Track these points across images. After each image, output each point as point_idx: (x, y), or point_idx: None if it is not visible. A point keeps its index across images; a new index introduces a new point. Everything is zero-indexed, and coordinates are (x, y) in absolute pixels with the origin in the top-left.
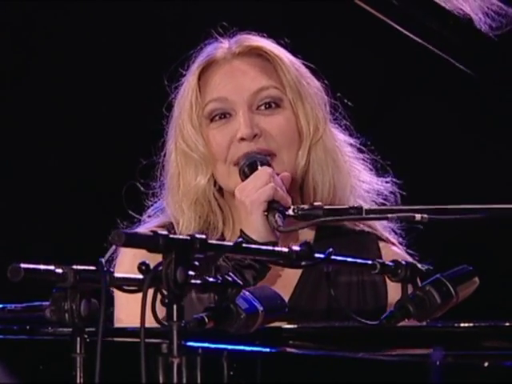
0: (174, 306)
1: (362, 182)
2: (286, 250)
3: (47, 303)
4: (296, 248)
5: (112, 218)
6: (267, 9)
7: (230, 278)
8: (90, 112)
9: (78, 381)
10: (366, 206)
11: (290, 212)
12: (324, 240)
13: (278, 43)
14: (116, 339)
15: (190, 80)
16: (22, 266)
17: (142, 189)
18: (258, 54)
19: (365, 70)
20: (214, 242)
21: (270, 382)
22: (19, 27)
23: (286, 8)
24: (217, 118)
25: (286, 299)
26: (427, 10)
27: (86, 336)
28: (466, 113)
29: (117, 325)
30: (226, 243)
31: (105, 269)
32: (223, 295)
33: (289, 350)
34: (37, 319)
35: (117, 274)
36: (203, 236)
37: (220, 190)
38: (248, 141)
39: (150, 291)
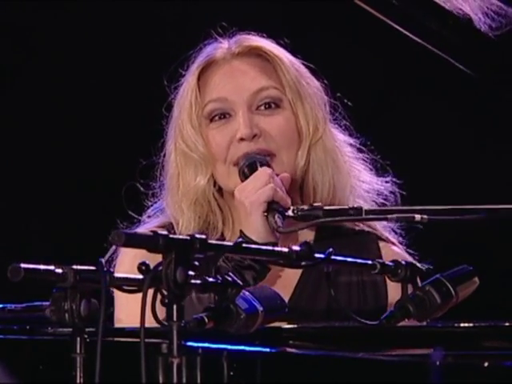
0: (174, 306)
1: (361, 182)
2: (285, 250)
3: (47, 303)
4: (296, 248)
5: (112, 218)
6: (267, 9)
7: (229, 278)
8: (89, 112)
9: (78, 381)
10: (366, 206)
11: (290, 213)
12: (324, 240)
13: (278, 43)
14: (116, 339)
15: (189, 80)
16: (22, 265)
17: (141, 189)
18: (257, 54)
19: (364, 69)
20: (214, 242)
21: (270, 382)
22: (19, 27)
23: (285, 8)
24: (216, 118)
25: (286, 299)
26: (427, 10)
27: (86, 336)
28: (465, 113)
29: (117, 325)
30: (225, 243)
31: (105, 269)
32: (223, 295)
33: (289, 349)
34: (37, 319)
35: (117, 274)
36: (203, 236)
37: (219, 190)
38: (247, 141)
39: (150, 291)
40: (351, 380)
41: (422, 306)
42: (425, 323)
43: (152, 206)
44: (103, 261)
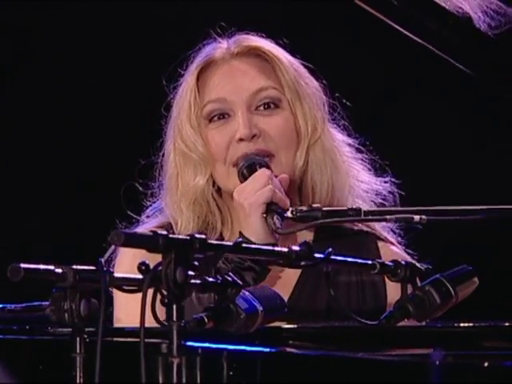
0: (174, 306)
1: (360, 182)
2: (285, 250)
3: (47, 303)
4: (296, 248)
5: (111, 218)
6: (267, 9)
7: (229, 278)
8: (89, 112)
9: (78, 381)
10: (364, 206)
11: (289, 214)
12: (323, 241)
13: (277, 43)
14: (116, 339)
15: (188, 80)
16: (22, 265)
17: (140, 189)
18: (256, 54)
19: (364, 69)
20: (214, 241)
21: (270, 382)
22: (19, 27)
23: (285, 8)
24: (215, 118)
25: (286, 299)
26: (427, 10)
27: (85, 336)
28: (465, 113)
29: (116, 325)
30: (225, 243)
31: (104, 269)
32: (223, 295)
33: (289, 349)
34: (37, 319)
35: (116, 274)
36: (203, 236)
37: (218, 190)
38: (247, 141)
39: (150, 291)
40: (351, 380)
41: (422, 306)
42: (424, 323)
43: (151, 205)
44: (103, 261)
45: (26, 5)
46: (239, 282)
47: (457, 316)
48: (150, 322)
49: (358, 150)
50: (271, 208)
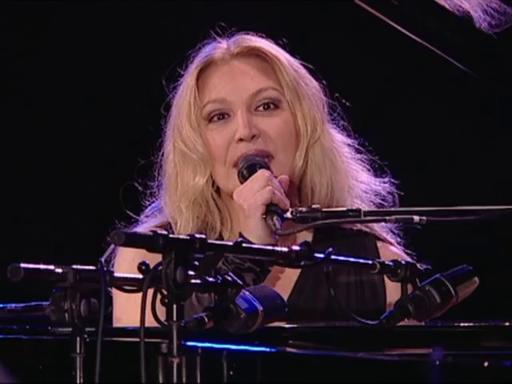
0: (174, 306)
1: (359, 183)
2: (285, 249)
3: (47, 303)
4: (296, 248)
5: (111, 218)
6: (267, 9)
7: (229, 278)
8: (88, 112)
9: (78, 381)
10: (363, 207)
11: (289, 215)
12: (322, 241)
13: (277, 43)
14: (116, 339)
15: (188, 81)
16: (22, 265)
17: (139, 188)
18: (256, 54)
19: (363, 70)
20: (214, 241)
21: (270, 382)
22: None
23: (285, 8)
24: (215, 118)
25: (285, 298)
26: (427, 10)
27: (85, 336)
28: (464, 113)
29: (115, 324)
30: (225, 243)
31: (105, 269)
32: (223, 295)
33: (289, 349)
34: (37, 319)
35: (117, 274)
36: (203, 236)
37: (218, 190)
38: (246, 141)
39: (150, 291)
40: (351, 380)
41: (422, 306)
42: (423, 323)
43: (150, 205)
44: (103, 260)
45: (26, 5)
46: (239, 281)
47: (457, 316)
48: (149, 322)
49: (358, 151)
50: (271, 209)
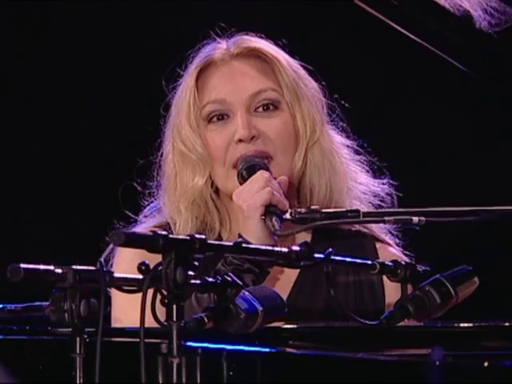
0: (174, 306)
1: (358, 184)
2: (285, 250)
3: (47, 303)
4: (296, 248)
5: (110, 218)
6: (267, 9)
7: (229, 279)
8: (88, 112)
9: (78, 381)
10: (362, 208)
11: (288, 216)
12: (321, 242)
13: (276, 44)
14: (116, 339)
15: (187, 81)
16: (22, 266)
17: (138, 188)
18: (256, 55)
19: (363, 70)
20: (214, 242)
21: (270, 382)
22: (19, 27)
23: (285, 8)
24: (215, 119)
25: (284, 298)
26: (427, 10)
27: (85, 336)
28: (464, 113)
29: (114, 324)
30: (225, 243)
31: (104, 269)
32: (223, 295)
33: (288, 350)
34: (37, 319)
35: (116, 274)
36: (203, 236)
37: (217, 191)
38: (246, 142)
39: (150, 291)
40: (351, 380)
41: (422, 306)
42: (422, 323)
43: (148, 205)
44: (102, 261)
45: (26, 5)
46: (239, 282)
47: (457, 316)
48: (149, 323)
49: (357, 152)
50: (270, 210)
